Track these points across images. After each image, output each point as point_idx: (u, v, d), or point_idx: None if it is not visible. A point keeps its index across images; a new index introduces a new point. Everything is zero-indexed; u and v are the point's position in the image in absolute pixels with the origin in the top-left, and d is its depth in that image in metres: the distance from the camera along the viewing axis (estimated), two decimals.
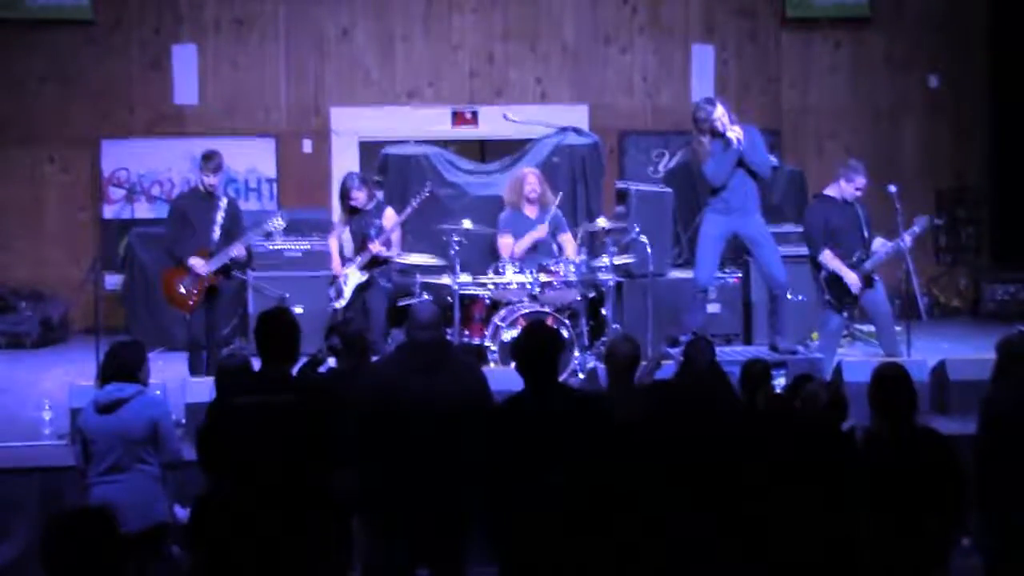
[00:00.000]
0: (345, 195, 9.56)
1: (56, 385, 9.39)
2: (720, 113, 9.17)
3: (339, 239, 9.63)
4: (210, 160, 9.18)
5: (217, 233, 9.11)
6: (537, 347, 5.53)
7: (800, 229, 11.27)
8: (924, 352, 9.59)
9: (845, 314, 9.38)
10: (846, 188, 9.17)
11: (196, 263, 9.02)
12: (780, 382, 8.48)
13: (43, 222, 12.97)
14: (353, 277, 9.41)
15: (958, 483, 5.45)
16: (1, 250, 12.88)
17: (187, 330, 9.42)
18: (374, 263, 9.45)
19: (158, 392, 7.12)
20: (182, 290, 9.07)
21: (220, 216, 9.14)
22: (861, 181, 9.16)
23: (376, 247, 9.35)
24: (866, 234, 9.21)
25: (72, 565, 3.82)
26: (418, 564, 5.78)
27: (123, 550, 3.93)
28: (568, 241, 10.06)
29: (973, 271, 13.47)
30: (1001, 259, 13.48)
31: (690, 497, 5.41)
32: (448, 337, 8.63)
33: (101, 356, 6.85)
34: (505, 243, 10.01)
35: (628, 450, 5.41)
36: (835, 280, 9.14)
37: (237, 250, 9.13)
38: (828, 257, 9.10)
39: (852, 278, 9.08)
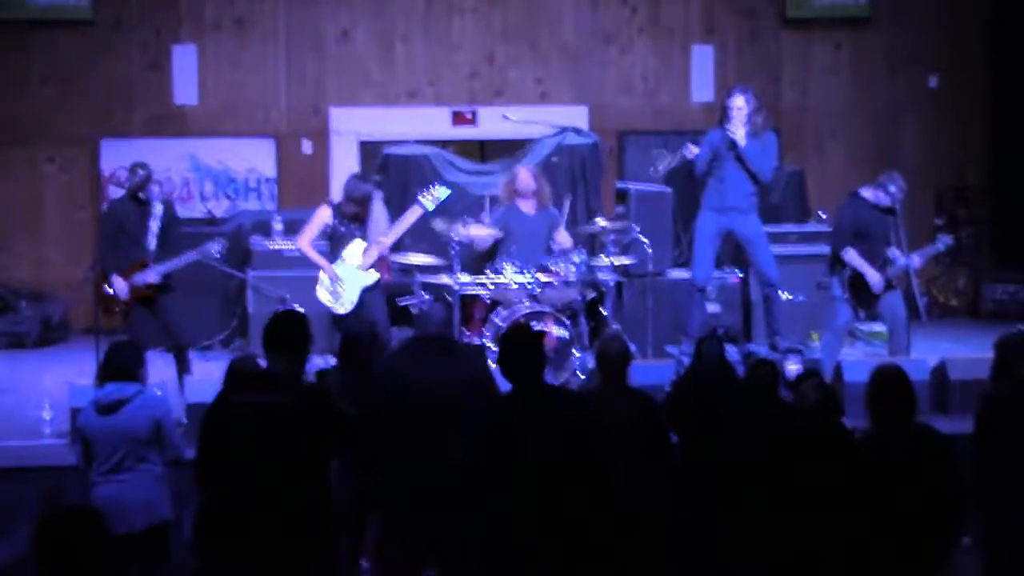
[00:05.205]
0: (363, 202, 8.97)
1: (56, 385, 9.38)
2: (740, 104, 9.14)
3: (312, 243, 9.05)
4: (134, 174, 8.92)
5: (153, 243, 8.89)
6: (515, 348, 5.48)
7: (799, 229, 11.35)
8: (924, 352, 9.59)
9: (861, 313, 9.34)
10: (880, 194, 9.07)
11: (118, 286, 8.77)
12: (794, 368, 8.49)
13: (43, 222, 12.96)
14: (357, 278, 8.96)
15: (956, 482, 5.45)
16: (1, 250, 12.88)
17: (128, 332, 8.77)
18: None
19: (158, 391, 7.13)
20: (110, 293, 8.82)
21: (155, 224, 8.92)
22: (896, 193, 9.02)
23: (388, 241, 9.08)
24: (891, 242, 9.15)
25: (62, 566, 3.83)
26: (425, 563, 5.78)
27: (113, 550, 3.93)
28: (562, 235, 9.92)
29: (973, 271, 13.47)
30: (1001, 259, 13.48)
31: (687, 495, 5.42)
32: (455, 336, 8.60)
33: (101, 356, 6.85)
34: (477, 231, 9.75)
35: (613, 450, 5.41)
36: (858, 279, 9.07)
37: (165, 270, 8.83)
38: (852, 256, 9.03)
39: (875, 278, 9.03)
